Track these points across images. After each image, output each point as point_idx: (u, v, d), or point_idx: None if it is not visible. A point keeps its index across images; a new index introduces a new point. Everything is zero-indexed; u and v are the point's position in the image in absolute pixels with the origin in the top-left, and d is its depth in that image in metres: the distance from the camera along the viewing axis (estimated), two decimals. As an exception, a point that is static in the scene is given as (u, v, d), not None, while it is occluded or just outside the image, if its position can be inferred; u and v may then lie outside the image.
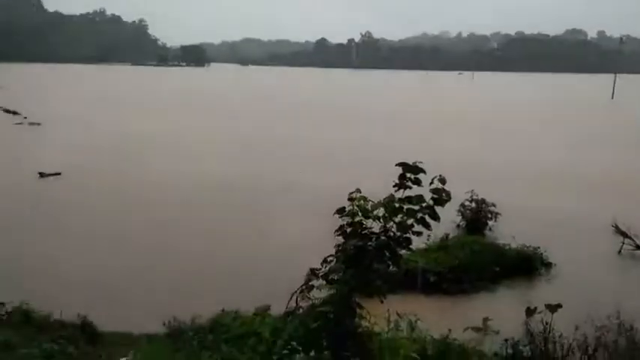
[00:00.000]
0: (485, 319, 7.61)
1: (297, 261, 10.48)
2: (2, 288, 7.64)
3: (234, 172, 19.19)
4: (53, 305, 6.80)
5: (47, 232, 12.13)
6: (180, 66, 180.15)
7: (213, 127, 31.27)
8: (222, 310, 6.68)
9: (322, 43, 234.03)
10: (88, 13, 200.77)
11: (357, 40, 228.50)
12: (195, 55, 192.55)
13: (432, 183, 4.24)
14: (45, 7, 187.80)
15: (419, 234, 4.20)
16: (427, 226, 4.26)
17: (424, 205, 4.24)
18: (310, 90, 73.67)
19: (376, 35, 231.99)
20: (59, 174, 17.44)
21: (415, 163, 4.27)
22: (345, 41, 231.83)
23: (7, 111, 34.48)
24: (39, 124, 29.19)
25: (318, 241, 11.24)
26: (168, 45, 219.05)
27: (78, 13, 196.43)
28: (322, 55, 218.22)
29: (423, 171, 4.24)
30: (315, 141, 26.86)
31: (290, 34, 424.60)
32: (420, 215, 4.26)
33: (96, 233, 12.24)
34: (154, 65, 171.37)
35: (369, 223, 4.37)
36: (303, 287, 4.27)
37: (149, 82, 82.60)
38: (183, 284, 9.66)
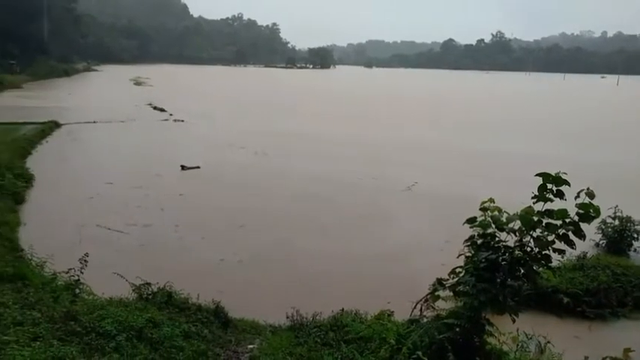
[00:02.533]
0: (627, 350, 6.79)
1: (416, 265, 10.43)
2: (149, 270, 8.51)
3: (362, 172, 19.45)
4: (191, 288, 7.42)
5: (185, 220, 13.25)
6: (307, 68, 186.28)
7: (344, 127, 31.99)
8: (342, 310, 6.78)
9: (449, 44, 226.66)
10: (227, 18, 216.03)
11: (487, 40, 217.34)
12: (321, 57, 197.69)
13: (577, 197, 3.92)
14: (190, 12, 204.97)
15: (561, 252, 3.90)
16: (570, 243, 3.95)
17: (567, 220, 3.94)
18: (444, 90, 72.13)
19: (508, 35, 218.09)
20: (199, 167, 18.97)
21: (558, 173, 3.98)
22: (474, 42, 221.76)
23: (155, 108, 38.39)
24: (182, 120, 32.01)
25: (438, 248, 11.10)
26: (297, 48, 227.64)
27: (218, 18, 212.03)
28: (449, 56, 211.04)
29: (566, 182, 3.93)
30: (451, 146, 26.29)
31: (416, 35, 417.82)
32: (562, 231, 3.97)
33: (227, 224, 13.13)
34: (284, 67, 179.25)
35: (502, 235, 4.16)
36: (429, 296, 4.19)
37: (283, 82, 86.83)
38: (305, 279, 10.01)
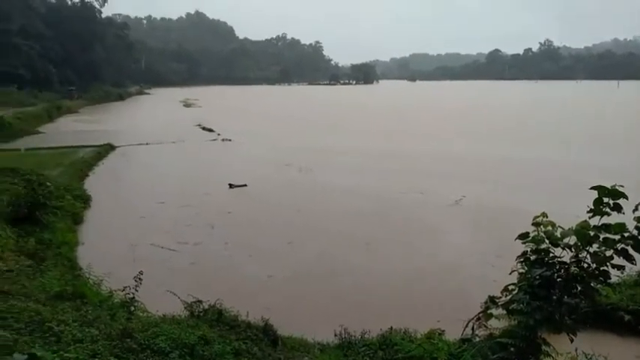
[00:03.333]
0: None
1: (466, 282, 10.16)
2: (199, 287, 8.70)
3: (407, 186, 19.28)
4: (241, 305, 7.52)
5: (234, 238, 13.49)
6: (350, 84, 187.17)
7: (387, 141, 31.86)
8: (391, 328, 6.69)
9: (495, 54, 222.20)
10: (271, 38, 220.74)
11: (534, 49, 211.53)
12: (364, 73, 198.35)
13: (635, 209, 3.75)
14: (236, 34, 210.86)
15: (620, 268, 3.73)
16: (630, 258, 3.77)
17: (626, 234, 3.76)
18: (489, 101, 70.74)
19: (557, 43, 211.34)
20: (245, 185, 19.32)
21: (614, 186, 3.81)
22: (520, 51, 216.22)
23: (204, 128, 39.53)
24: (230, 140, 32.79)
25: (488, 263, 10.78)
26: (340, 64, 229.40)
27: (263, 39, 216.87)
28: (496, 66, 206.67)
29: (624, 195, 3.76)
30: (499, 158, 25.77)
31: (460, 46, 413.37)
32: (620, 246, 3.79)
33: (274, 241, 13.27)
34: (327, 84, 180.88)
35: (557, 251, 4.01)
36: (481, 315, 4.07)
37: (326, 99, 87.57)
38: (352, 296, 9.95)
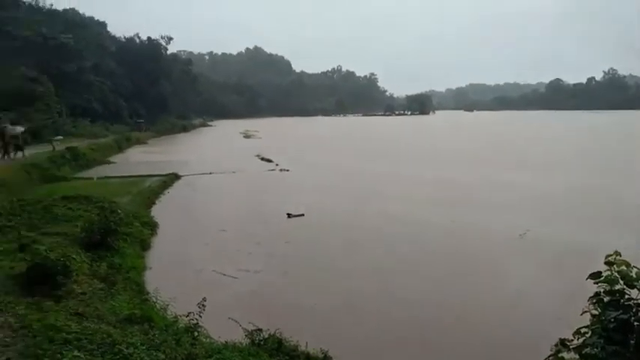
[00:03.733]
0: None
1: (532, 322, 9.73)
2: (260, 315, 8.86)
3: (468, 217, 18.89)
4: (300, 335, 7.59)
5: (293, 267, 13.66)
6: (406, 114, 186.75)
7: (445, 170, 31.45)
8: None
9: (556, 83, 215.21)
10: (327, 71, 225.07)
11: (598, 78, 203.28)
12: (420, 104, 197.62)
13: None
14: (293, 67, 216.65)
15: None
16: None
17: None
18: (550, 131, 68.50)
19: (622, 72, 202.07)
20: (303, 215, 19.58)
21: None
22: (583, 80, 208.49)
23: (263, 159, 40.55)
24: (288, 170, 33.44)
25: (555, 303, 10.29)
26: (395, 95, 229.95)
27: (319, 72, 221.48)
28: (557, 96, 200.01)
29: None
30: (563, 190, 24.87)
31: (519, 76, 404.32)
32: (703, 289, 3.61)
33: (333, 271, 13.31)
34: (382, 115, 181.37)
35: (633, 292, 3.86)
36: (550, 358, 3.94)
37: (382, 129, 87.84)
38: (411, 329, 9.77)
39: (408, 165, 35.60)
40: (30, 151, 29.89)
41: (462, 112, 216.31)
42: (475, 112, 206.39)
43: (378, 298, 11.45)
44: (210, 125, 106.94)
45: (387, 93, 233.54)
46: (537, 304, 10.91)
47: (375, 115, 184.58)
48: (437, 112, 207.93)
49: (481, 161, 37.87)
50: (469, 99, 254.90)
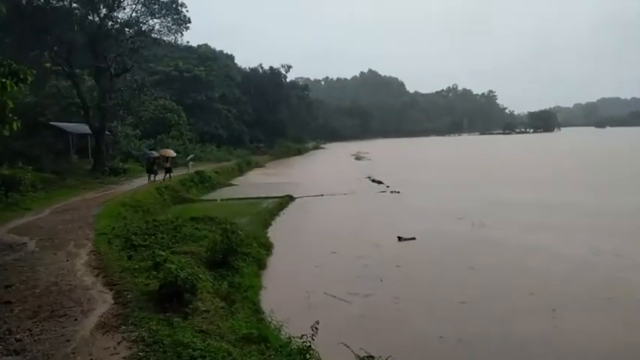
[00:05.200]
0: None
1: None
2: (370, 340, 8.82)
3: (598, 246, 17.24)
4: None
5: (404, 292, 13.42)
6: (527, 132, 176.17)
7: (570, 194, 29.06)
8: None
9: None
10: (442, 90, 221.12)
11: None
12: (543, 121, 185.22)
13: None
14: (407, 89, 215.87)
15: None
16: None
17: None
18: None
19: None
20: (414, 239, 19.22)
21: None
22: None
23: (374, 181, 40.65)
24: (398, 192, 33.15)
25: None
26: (516, 112, 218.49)
27: (434, 91, 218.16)
28: None
29: None
30: None
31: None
32: None
33: (445, 299, 12.84)
34: (500, 133, 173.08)
35: None
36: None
37: (500, 149, 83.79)
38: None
39: (529, 188, 33.38)
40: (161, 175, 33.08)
41: (592, 128, 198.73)
42: (607, 129, 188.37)
43: (496, 330, 10.79)
44: (323, 148, 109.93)
45: (507, 110, 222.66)
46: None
47: (492, 133, 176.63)
48: (563, 129, 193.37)
49: (612, 184, 34.39)
50: (600, 115, 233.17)
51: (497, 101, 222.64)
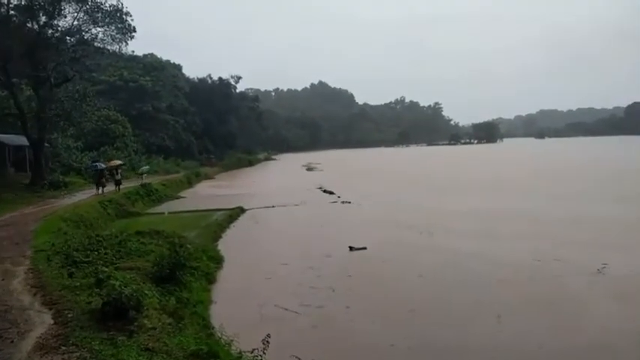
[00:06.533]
0: None
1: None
2: (322, 351, 8.77)
3: (539, 252, 17.96)
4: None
5: (355, 302, 13.47)
6: (472, 143, 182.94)
7: (514, 202, 30.24)
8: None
9: (636, 107, 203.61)
10: (390, 102, 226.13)
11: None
12: (487, 132, 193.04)
13: None
14: (356, 100, 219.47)
15: None
16: None
17: None
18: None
19: None
20: (365, 248, 19.41)
21: None
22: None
23: (325, 191, 40.89)
24: (349, 202, 33.47)
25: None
26: (460, 124, 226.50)
27: (382, 103, 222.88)
28: (636, 120, 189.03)
29: None
30: None
31: (593, 101, 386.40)
32: None
33: (395, 308, 13.00)
34: (447, 144, 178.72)
35: None
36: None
37: (445, 159, 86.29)
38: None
39: (476, 198, 34.51)
40: (110, 187, 32.03)
41: (532, 139, 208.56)
42: (547, 139, 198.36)
43: (444, 337, 10.99)
44: (275, 159, 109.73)
45: (452, 122, 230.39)
46: (625, 347, 10.08)
47: (438, 144, 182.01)
48: (505, 139, 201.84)
49: (551, 192, 36.14)
50: (540, 126, 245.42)
51: (443, 113, 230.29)
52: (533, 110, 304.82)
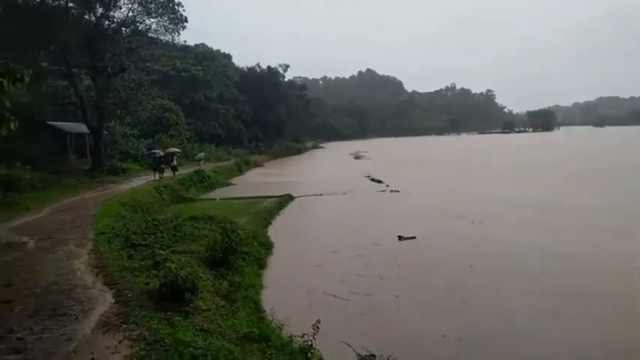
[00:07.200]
0: None
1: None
2: (370, 339, 8.78)
3: (601, 245, 17.22)
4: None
5: (404, 291, 13.39)
6: (527, 132, 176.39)
7: (573, 193, 29.05)
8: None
9: None
10: (440, 90, 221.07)
11: None
12: (543, 120, 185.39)
13: None
14: (405, 88, 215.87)
15: None
16: None
17: None
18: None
19: None
20: (414, 237, 19.19)
21: None
22: None
23: (373, 180, 40.64)
24: (398, 191, 33.13)
25: None
26: (515, 112, 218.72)
27: (432, 90, 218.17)
28: None
29: None
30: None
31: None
32: None
33: (446, 298, 12.83)
34: (500, 132, 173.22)
35: None
36: None
37: (499, 148, 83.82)
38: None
39: (531, 188, 33.38)
40: (166, 173, 33.31)
41: (591, 127, 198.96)
42: (607, 128, 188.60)
43: (497, 328, 10.77)
44: (322, 147, 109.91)
45: (506, 109, 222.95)
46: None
47: (491, 132, 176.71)
48: (562, 128, 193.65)
49: (610, 184, 34.42)
50: (599, 114, 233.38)
51: (496, 100, 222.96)
52: (592, 97, 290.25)
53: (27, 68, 10.14)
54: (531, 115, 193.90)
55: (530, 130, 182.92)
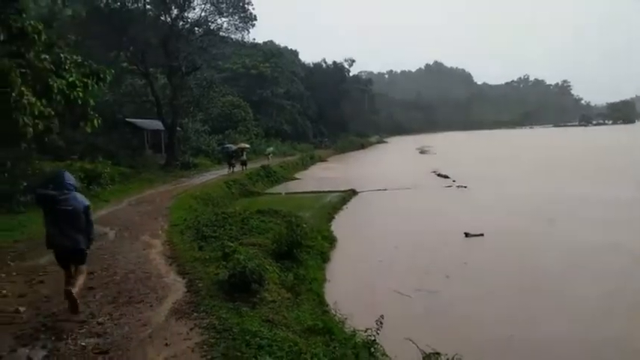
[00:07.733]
0: None
1: None
2: (435, 338, 8.68)
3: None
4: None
5: (471, 290, 13.09)
6: (606, 124, 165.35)
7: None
8: None
9: None
10: (512, 81, 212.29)
11: None
12: (623, 112, 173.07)
13: None
14: (474, 80, 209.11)
15: None
16: None
17: None
18: None
19: None
20: (482, 235, 18.64)
21: None
22: None
23: (439, 175, 39.79)
24: (465, 186, 32.26)
25: None
26: (593, 104, 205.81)
27: (503, 82, 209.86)
28: None
29: None
30: None
31: None
32: None
33: (516, 298, 12.42)
34: (576, 125, 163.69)
35: None
36: None
37: (575, 141, 79.44)
38: None
39: (609, 184, 31.38)
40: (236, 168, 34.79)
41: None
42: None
43: (571, 332, 10.30)
44: (386, 142, 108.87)
45: (583, 101, 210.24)
46: None
47: (566, 125, 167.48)
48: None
49: None
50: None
51: (572, 92, 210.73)
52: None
53: (109, 68, 10.79)
54: (611, 107, 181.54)
55: (610, 122, 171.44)
